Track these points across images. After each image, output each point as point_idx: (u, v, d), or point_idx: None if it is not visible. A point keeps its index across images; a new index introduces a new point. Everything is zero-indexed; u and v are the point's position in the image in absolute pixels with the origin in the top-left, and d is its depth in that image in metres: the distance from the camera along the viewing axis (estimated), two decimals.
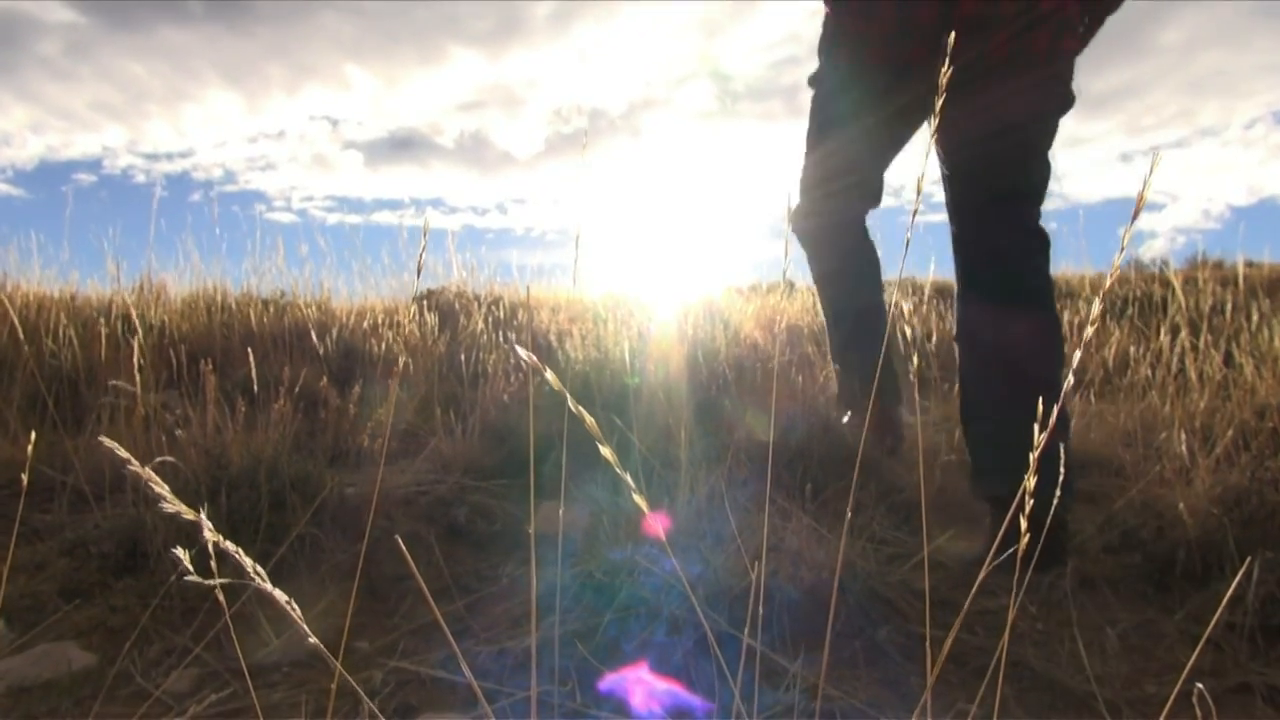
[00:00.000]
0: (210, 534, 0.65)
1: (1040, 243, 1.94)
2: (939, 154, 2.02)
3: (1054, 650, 1.56)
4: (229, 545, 0.66)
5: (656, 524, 0.68)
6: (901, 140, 2.21)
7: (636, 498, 0.64)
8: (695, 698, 1.42)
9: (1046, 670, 1.48)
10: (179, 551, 0.68)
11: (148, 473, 0.65)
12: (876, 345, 2.33)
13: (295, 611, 0.67)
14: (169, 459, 1.80)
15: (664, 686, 1.45)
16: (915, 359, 1.55)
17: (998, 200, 1.94)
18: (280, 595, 0.67)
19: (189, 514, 0.66)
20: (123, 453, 0.65)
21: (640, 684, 1.45)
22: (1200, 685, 0.87)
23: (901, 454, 2.54)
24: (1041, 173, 1.94)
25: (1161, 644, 1.59)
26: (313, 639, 0.69)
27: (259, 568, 0.68)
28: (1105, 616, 1.70)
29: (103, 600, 1.72)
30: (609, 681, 1.46)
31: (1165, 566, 1.82)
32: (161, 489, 0.65)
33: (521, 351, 0.60)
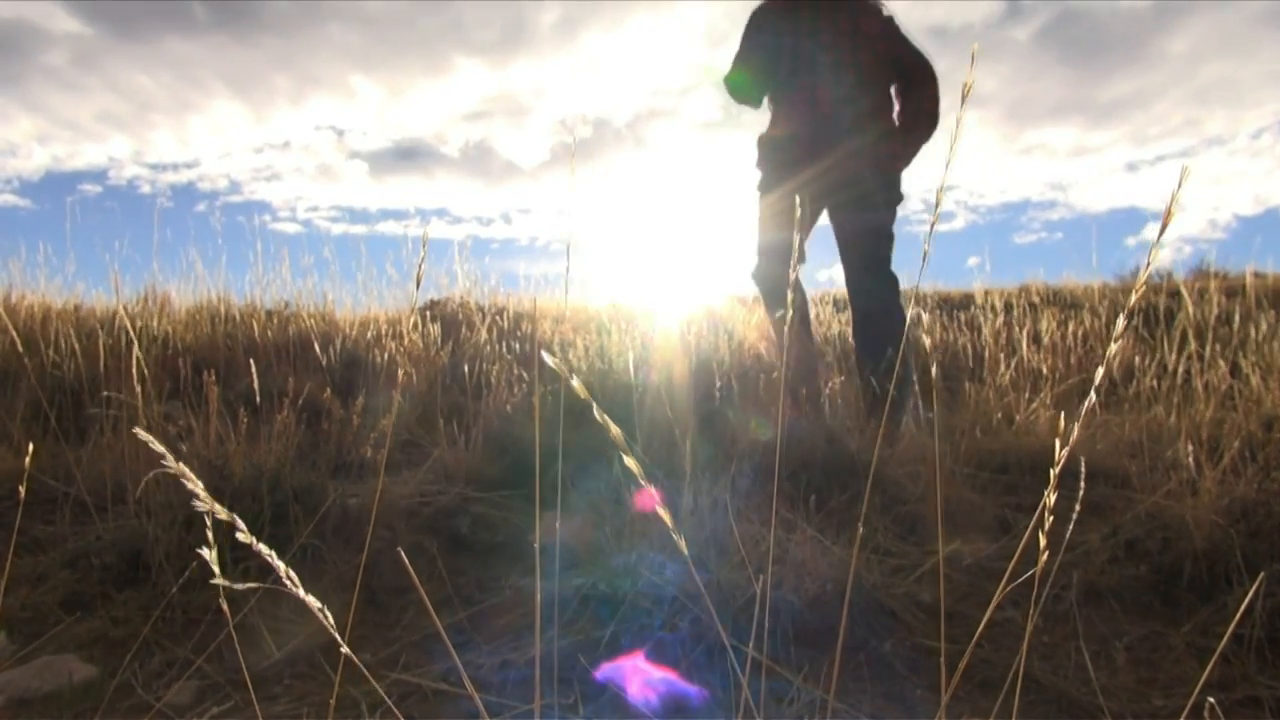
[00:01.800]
0: (243, 535, 0.65)
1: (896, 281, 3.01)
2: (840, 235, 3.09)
3: (1060, 662, 1.54)
4: (262, 547, 0.66)
5: (653, 500, 0.68)
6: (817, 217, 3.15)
7: (662, 512, 0.64)
8: (691, 686, 1.42)
9: (1053, 682, 1.47)
10: (204, 552, 0.68)
11: (181, 468, 0.65)
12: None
13: (328, 619, 0.67)
14: (169, 469, 1.79)
15: (660, 675, 1.45)
16: (934, 367, 1.54)
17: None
18: (314, 602, 0.67)
19: (222, 513, 0.65)
20: (158, 446, 0.64)
21: (637, 673, 1.45)
22: (1210, 698, 0.86)
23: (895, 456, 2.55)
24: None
25: (1169, 656, 1.58)
26: (345, 649, 0.69)
27: (293, 574, 0.68)
28: (1112, 629, 1.68)
29: (104, 612, 1.72)
30: (605, 670, 1.46)
31: (1172, 578, 1.81)
32: (195, 485, 0.65)
33: (548, 358, 0.60)
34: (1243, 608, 0.91)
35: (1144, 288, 0.60)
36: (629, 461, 0.62)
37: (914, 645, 1.59)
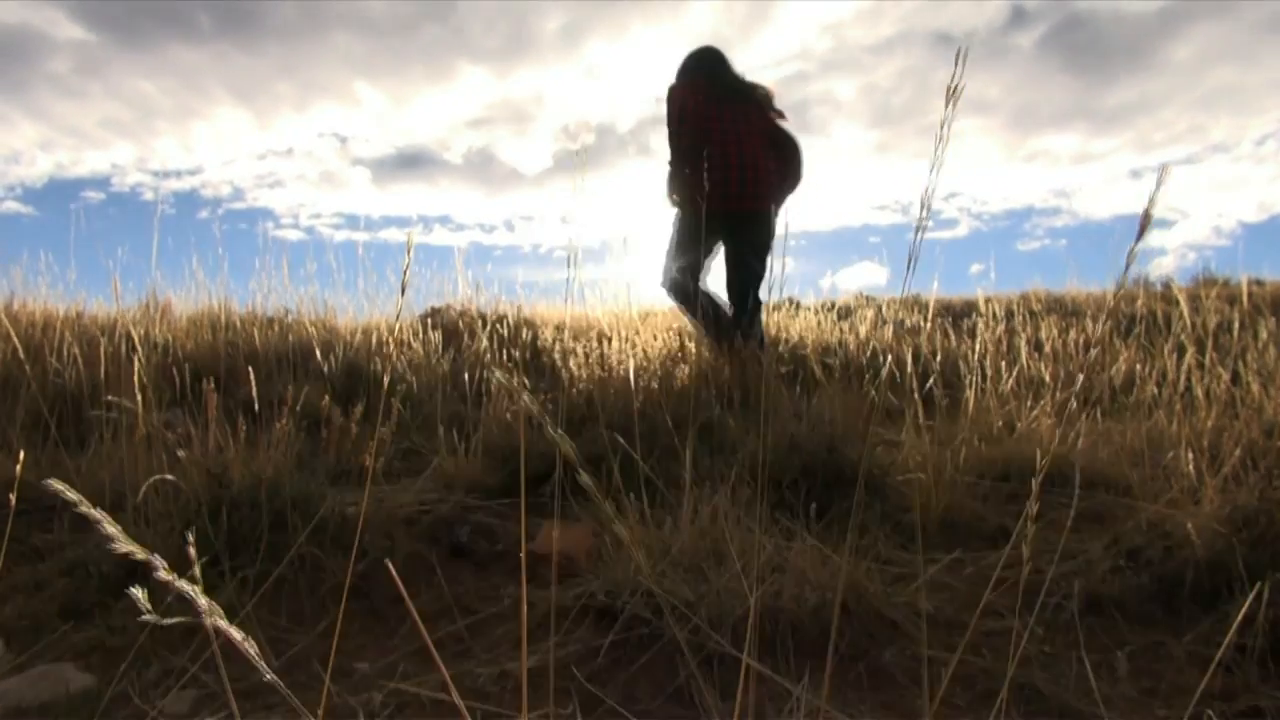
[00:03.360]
0: (164, 573, 0.64)
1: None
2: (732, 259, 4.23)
3: (1062, 672, 1.54)
4: (184, 585, 0.65)
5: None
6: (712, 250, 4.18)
7: (618, 528, 0.63)
8: (677, 652, 1.41)
9: (1054, 693, 1.46)
10: (135, 591, 0.67)
11: (97, 513, 0.64)
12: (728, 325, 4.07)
13: (252, 648, 0.67)
14: (169, 477, 1.79)
15: (646, 641, 1.44)
16: (913, 379, 1.53)
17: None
18: (236, 634, 0.66)
19: (141, 553, 0.65)
20: (71, 495, 0.64)
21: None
22: (1210, 710, 0.86)
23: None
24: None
25: (1171, 666, 1.57)
26: (270, 675, 0.68)
27: (214, 604, 0.67)
28: (1113, 638, 1.68)
29: (102, 620, 1.71)
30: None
31: (1174, 588, 1.80)
32: (112, 527, 0.64)
33: (499, 375, 0.59)
34: (1242, 616, 0.90)
35: (1123, 296, 0.60)
36: (583, 479, 0.62)
37: (914, 655, 1.58)
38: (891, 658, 1.56)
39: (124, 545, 0.64)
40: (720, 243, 4.19)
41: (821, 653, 1.54)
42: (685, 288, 4.15)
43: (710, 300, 4.18)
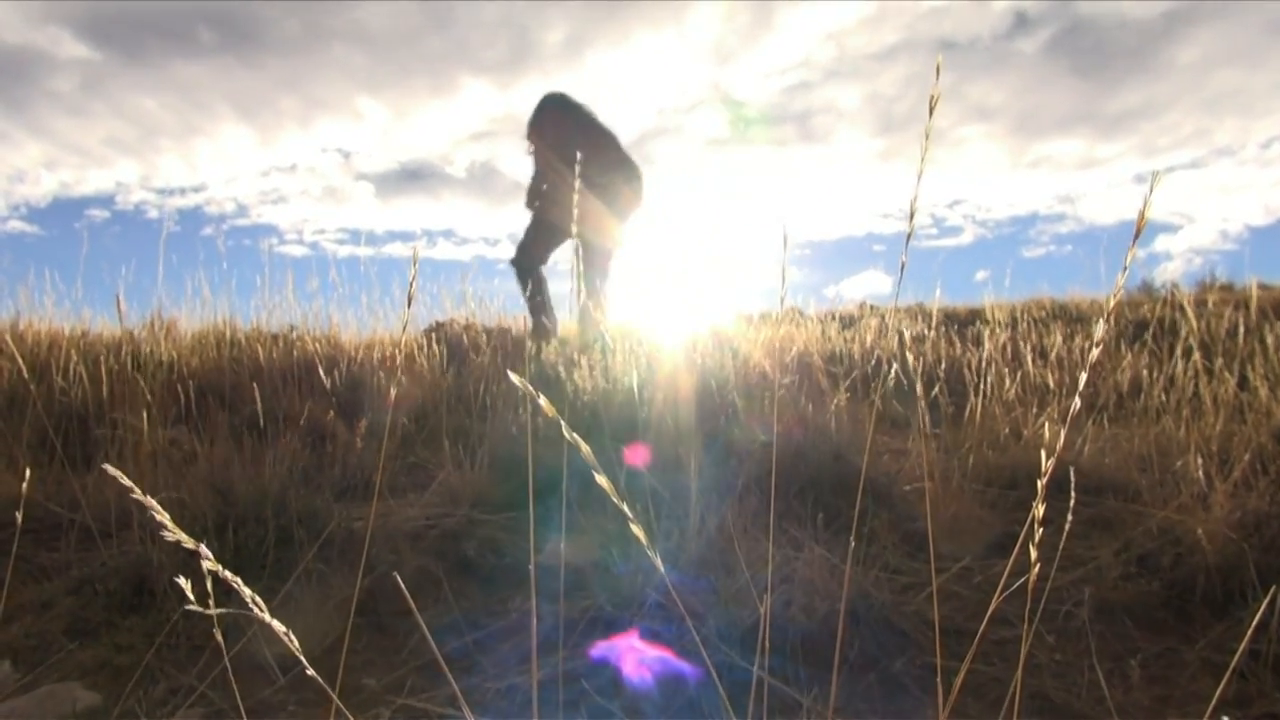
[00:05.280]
0: (209, 563, 0.64)
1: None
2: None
3: (1074, 680, 1.52)
4: (227, 574, 0.65)
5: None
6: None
7: (635, 528, 0.63)
8: (685, 663, 1.41)
9: (1067, 701, 1.45)
10: (181, 580, 0.67)
11: (149, 501, 0.64)
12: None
13: (293, 643, 0.66)
14: (175, 494, 1.79)
15: (654, 654, 1.44)
16: (919, 386, 1.52)
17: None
18: (279, 626, 0.66)
19: (189, 543, 0.65)
20: (125, 481, 0.64)
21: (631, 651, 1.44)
22: (1225, 717, 0.85)
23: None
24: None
25: (1184, 673, 1.56)
26: (307, 668, 0.68)
27: (258, 599, 0.67)
28: (1125, 645, 1.66)
29: (109, 639, 1.71)
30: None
31: (1185, 594, 1.79)
32: (162, 517, 0.64)
33: (515, 378, 0.59)
34: (1255, 622, 0.89)
35: (1127, 301, 0.60)
36: (600, 480, 0.62)
37: (924, 664, 1.57)
38: (902, 667, 1.55)
39: (173, 535, 0.64)
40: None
41: (832, 662, 1.53)
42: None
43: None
